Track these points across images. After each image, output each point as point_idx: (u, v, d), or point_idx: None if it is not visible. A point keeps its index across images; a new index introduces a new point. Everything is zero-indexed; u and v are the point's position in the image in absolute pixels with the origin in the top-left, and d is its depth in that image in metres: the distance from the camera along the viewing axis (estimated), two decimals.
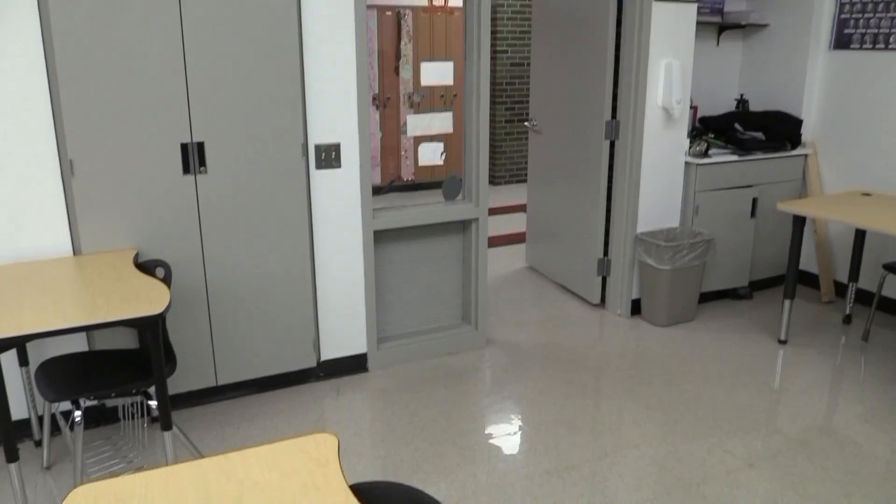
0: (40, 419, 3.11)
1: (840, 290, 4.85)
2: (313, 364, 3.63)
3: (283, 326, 3.47)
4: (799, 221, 3.98)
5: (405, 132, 3.74)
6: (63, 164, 2.94)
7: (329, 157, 3.36)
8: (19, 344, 2.28)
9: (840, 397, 3.55)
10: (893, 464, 2.98)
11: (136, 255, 3.00)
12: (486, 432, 3.22)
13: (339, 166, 3.41)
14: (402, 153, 3.81)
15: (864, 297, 4.68)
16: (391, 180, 3.81)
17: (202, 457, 1.60)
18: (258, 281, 3.35)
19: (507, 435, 3.20)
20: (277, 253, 3.35)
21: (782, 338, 4.16)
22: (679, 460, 3.00)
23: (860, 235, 4.36)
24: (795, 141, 4.75)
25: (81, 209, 2.95)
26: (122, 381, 2.61)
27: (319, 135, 3.34)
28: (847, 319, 4.49)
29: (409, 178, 3.91)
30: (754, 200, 4.66)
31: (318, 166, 3.36)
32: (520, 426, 3.27)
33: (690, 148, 4.45)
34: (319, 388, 3.62)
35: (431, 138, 3.76)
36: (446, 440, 3.15)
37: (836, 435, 3.20)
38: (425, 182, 3.95)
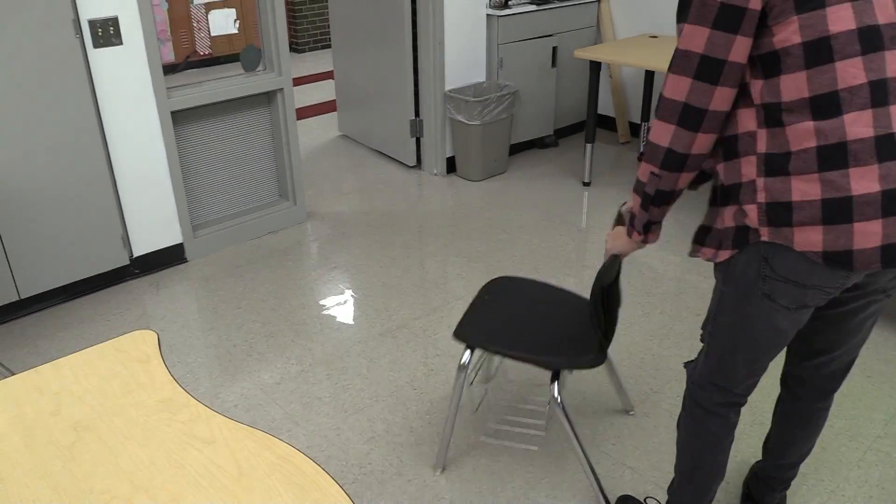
0: None
1: (635, 130, 5.20)
2: (126, 262, 3.42)
3: (85, 226, 3.21)
4: (595, 67, 4.16)
5: (193, 1, 3.42)
6: None
7: (107, 32, 3.02)
8: None
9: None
10: (682, 282, 3.35)
11: None
12: (318, 305, 3.24)
13: (120, 43, 3.08)
14: (195, 25, 3.49)
15: None
16: (186, 56, 3.50)
17: (13, 375, 1.49)
18: (47, 181, 3.04)
19: (337, 305, 3.24)
20: (64, 147, 3.04)
21: (586, 180, 4.44)
22: None
23: (649, 77, 4.64)
24: None
25: None
26: None
27: (92, 8, 2.98)
28: (641, 157, 4.85)
29: (206, 53, 3.62)
30: (554, 49, 4.79)
31: (96, 44, 3.02)
32: (350, 294, 3.32)
33: (491, 0, 4.44)
34: (136, 285, 3.45)
35: (223, 4, 3.47)
36: (278, 319, 3.14)
37: (636, 262, 3.53)
38: (223, 56, 3.68)
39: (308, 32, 8.18)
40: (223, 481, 1.17)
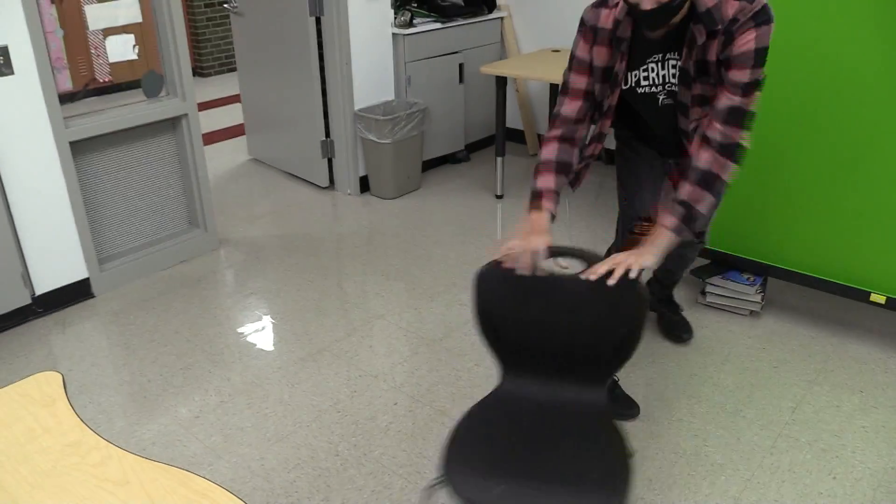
0: None
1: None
2: (28, 301, 3.27)
3: None
4: (501, 82, 4.24)
5: (88, 27, 3.32)
6: None
7: None
8: None
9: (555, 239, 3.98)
10: None
11: None
12: (235, 333, 3.17)
13: (11, 73, 2.95)
14: (93, 51, 3.38)
15: None
16: (85, 84, 3.39)
17: None
18: None
19: (255, 332, 3.18)
20: None
21: (499, 192, 4.52)
22: (422, 321, 3.20)
23: (554, 89, 4.76)
24: (491, 5, 4.97)
25: None
26: None
27: None
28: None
29: (106, 80, 3.50)
30: (461, 66, 4.86)
31: None
32: (268, 320, 3.26)
33: (396, 18, 4.48)
34: (41, 325, 3.29)
35: (122, 29, 3.37)
36: (194, 350, 3.06)
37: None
38: (125, 83, 3.58)
39: (212, 56, 8.04)
40: None
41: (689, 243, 2.55)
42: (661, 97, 2.19)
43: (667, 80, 2.15)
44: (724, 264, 3.15)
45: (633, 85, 2.19)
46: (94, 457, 1.29)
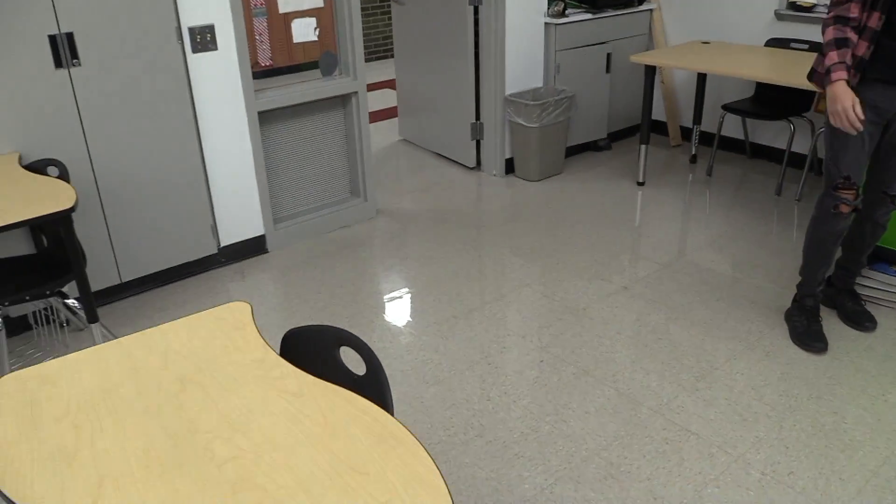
0: None
1: (686, 133, 5.37)
2: (214, 251, 3.71)
3: (179, 216, 3.51)
4: (650, 71, 4.35)
5: (279, 9, 3.71)
6: None
7: (204, 39, 3.32)
8: None
9: (691, 226, 4.07)
10: (737, 277, 3.52)
11: (20, 158, 2.92)
12: (393, 290, 3.48)
13: (215, 48, 3.38)
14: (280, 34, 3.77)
15: (706, 139, 5.21)
16: (272, 62, 3.77)
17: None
18: (149, 173, 3.34)
19: (410, 291, 3.47)
20: (164, 143, 3.34)
21: (640, 180, 4.63)
22: (566, 292, 3.40)
23: (701, 81, 4.82)
24: None
25: None
26: (35, 282, 2.63)
27: (192, 17, 3.28)
28: (693, 159, 5.03)
29: (292, 61, 3.89)
30: (608, 56, 4.99)
31: (195, 50, 3.32)
32: (422, 282, 3.55)
33: (549, 9, 4.67)
34: (223, 273, 3.73)
35: (306, 13, 3.75)
36: (357, 302, 3.39)
37: (689, 257, 3.71)
38: (301, 64, 3.95)
39: (365, 45, 8.51)
40: (310, 427, 1.34)
41: (882, 205, 2.81)
42: None
43: None
44: (873, 256, 3.16)
45: None
46: (275, 372, 1.51)
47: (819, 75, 2.61)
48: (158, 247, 3.49)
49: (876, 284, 3.14)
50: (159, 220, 3.45)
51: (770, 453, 2.38)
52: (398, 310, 3.32)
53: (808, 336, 2.92)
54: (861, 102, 2.53)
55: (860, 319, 3.01)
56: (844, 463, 2.33)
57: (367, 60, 8.57)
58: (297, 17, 3.77)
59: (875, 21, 2.45)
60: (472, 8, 4.54)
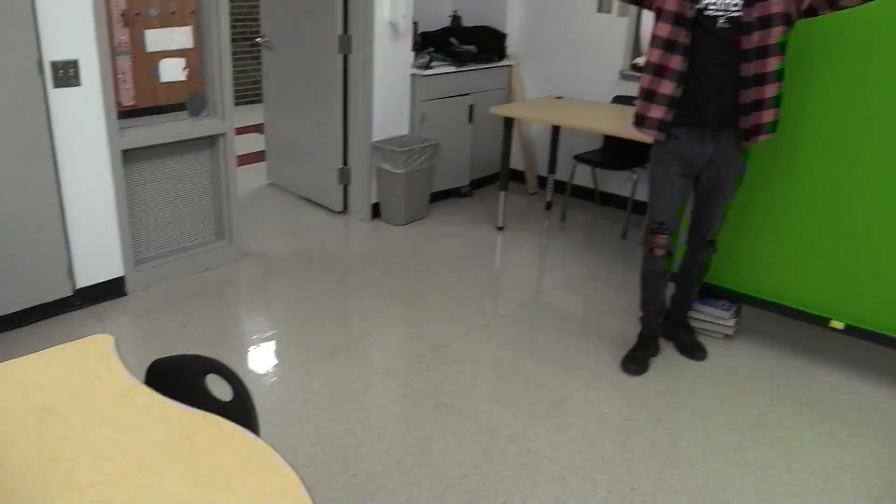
0: None
1: (542, 182, 5.72)
2: (69, 293, 3.58)
3: (31, 256, 3.37)
4: (509, 123, 4.65)
5: (146, 49, 3.69)
6: None
7: (67, 73, 3.26)
8: None
9: (546, 267, 4.35)
10: (587, 314, 3.80)
11: None
12: (258, 332, 3.48)
13: (78, 84, 3.32)
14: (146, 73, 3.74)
15: (560, 187, 5.56)
16: (138, 101, 3.73)
17: None
18: (0, 209, 3.21)
19: (277, 332, 3.49)
20: (17, 178, 3.22)
21: (500, 225, 4.89)
22: (429, 330, 3.53)
23: (555, 133, 5.18)
24: (502, 53, 5.42)
25: None
26: None
27: (56, 50, 3.21)
28: (548, 206, 5.36)
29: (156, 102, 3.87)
30: (471, 107, 5.28)
31: (57, 84, 3.24)
32: (287, 323, 3.58)
33: (415, 60, 4.90)
34: (78, 316, 3.59)
35: (172, 54, 3.76)
36: (222, 343, 3.37)
37: (544, 296, 3.95)
38: (167, 105, 3.93)
39: (234, 89, 8.45)
40: (177, 451, 1.38)
41: (703, 248, 3.15)
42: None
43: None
44: (702, 292, 3.51)
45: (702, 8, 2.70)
46: (140, 400, 1.53)
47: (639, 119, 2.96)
48: (6, 288, 3.33)
49: (705, 317, 3.49)
50: (6, 260, 3.30)
51: (615, 473, 2.58)
52: (264, 351, 3.33)
53: (628, 359, 3.26)
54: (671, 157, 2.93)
55: (692, 350, 3.34)
56: (679, 477, 2.57)
57: (236, 104, 8.50)
58: (165, 58, 3.77)
59: (679, 64, 2.77)
60: (341, 56, 4.69)
